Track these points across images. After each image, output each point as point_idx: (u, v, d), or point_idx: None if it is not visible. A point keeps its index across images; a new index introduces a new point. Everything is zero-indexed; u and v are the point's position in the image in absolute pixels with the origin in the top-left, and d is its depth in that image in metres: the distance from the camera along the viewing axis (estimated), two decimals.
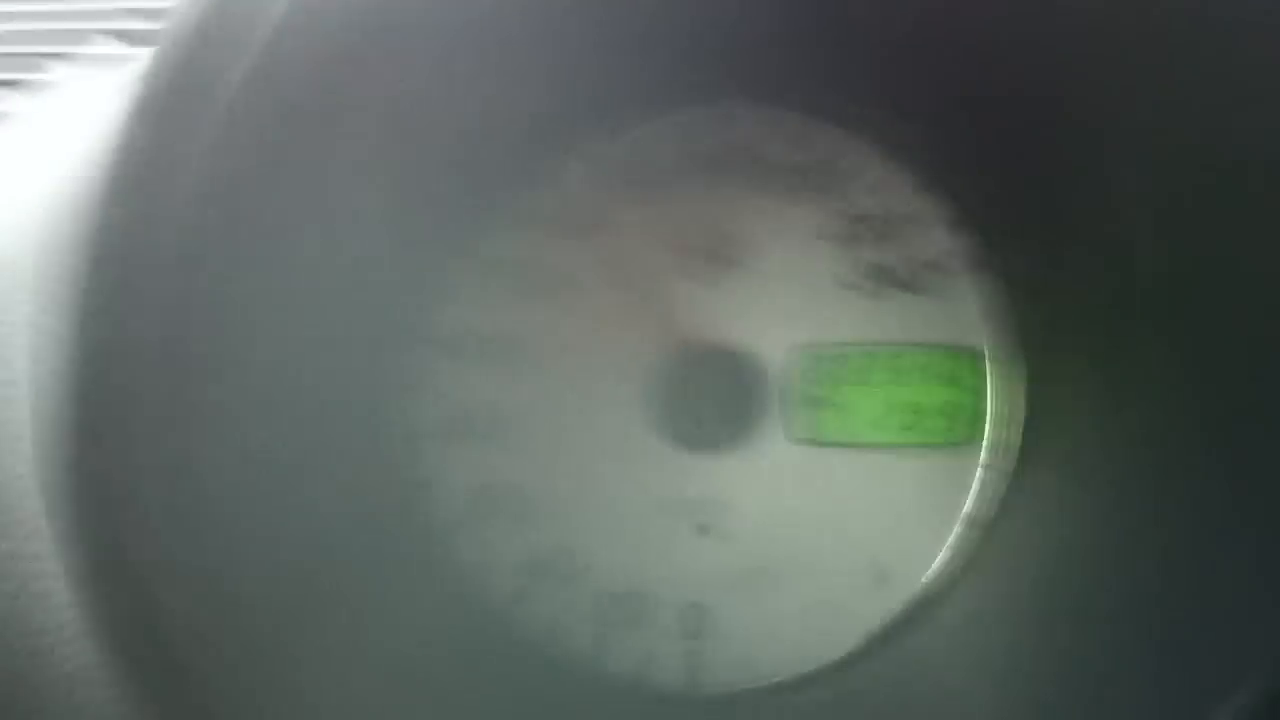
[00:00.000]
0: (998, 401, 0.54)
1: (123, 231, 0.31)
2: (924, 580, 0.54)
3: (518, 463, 0.54)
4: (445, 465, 0.54)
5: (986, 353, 0.53)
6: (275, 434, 0.40)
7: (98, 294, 0.31)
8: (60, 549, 0.33)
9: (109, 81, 0.52)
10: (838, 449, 0.54)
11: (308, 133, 0.35)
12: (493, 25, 0.41)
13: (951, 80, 0.47)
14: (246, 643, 0.35)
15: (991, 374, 0.54)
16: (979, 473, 0.54)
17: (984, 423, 0.54)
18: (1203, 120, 0.38)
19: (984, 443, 0.54)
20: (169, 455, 0.33)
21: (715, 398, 0.54)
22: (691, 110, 0.54)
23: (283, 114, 0.33)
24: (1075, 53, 0.41)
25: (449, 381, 0.54)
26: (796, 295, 0.54)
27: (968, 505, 0.54)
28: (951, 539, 0.53)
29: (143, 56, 0.32)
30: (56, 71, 0.58)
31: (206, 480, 0.34)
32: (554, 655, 0.54)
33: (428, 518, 0.54)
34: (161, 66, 0.32)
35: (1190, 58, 0.37)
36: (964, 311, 0.53)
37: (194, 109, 0.31)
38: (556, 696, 0.53)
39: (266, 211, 0.34)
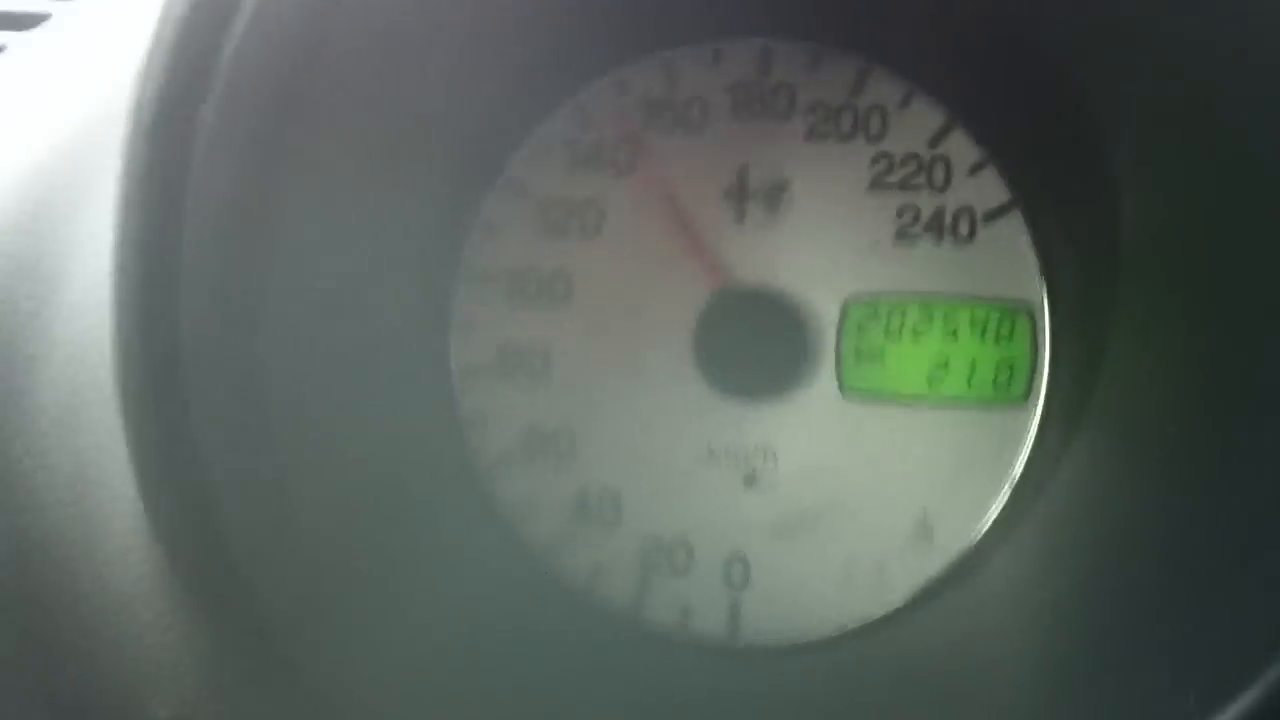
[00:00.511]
0: (1052, 361, 0.53)
1: (175, 112, 0.31)
2: (969, 538, 0.53)
3: (565, 403, 0.54)
4: (492, 403, 0.54)
5: (1041, 309, 0.53)
6: (326, 371, 0.40)
7: (147, 244, 0.32)
8: (134, 463, 0.33)
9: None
10: (888, 403, 0.53)
11: (322, 69, 0.34)
12: None
13: (974, 16, 0.46)
14: (299, 569, 0.35)
15: (1046, 333, 0.53)
16: (1031, 432, 0.53)
17: (1038, 381, 0.53)
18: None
19: (1037, 401, 0.53)
20: (231, 391, 0.33)
21: (765, 346, 0.53)
22: (726, 41, 0.53)
23: (289, 54, 0.33)
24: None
25: (496, 319, 0.54)
26: (849, 244, 0.53)
27: (1017, 464, 0.53)
28: (999, 498, 0.53)
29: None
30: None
31: (264, 414, 0.35)
32: (595, 599, 0.54)
33: (474, 455, 0.54)
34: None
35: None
36: (1018, 265, 0.52)
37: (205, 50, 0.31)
38: (595, 642, 0.53)
39: (289, 148, 0.34)
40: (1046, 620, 0.46)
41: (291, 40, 0.32)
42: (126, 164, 0.31)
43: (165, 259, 0.31)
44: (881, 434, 0.53)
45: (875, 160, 0.53)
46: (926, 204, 0.52)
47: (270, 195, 0.33)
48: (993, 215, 0.52)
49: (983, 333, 0.53)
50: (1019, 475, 0.53)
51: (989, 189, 0.52)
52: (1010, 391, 0.53)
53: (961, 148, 0.52)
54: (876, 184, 0.53)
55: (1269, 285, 0.40)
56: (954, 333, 0.53)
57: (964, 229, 0.52)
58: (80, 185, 0.42)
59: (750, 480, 0.54)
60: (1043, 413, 0.53)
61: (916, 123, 0.53)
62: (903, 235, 0.53)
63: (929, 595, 0.53)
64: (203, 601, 0.34)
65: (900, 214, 0.52)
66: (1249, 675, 0.35)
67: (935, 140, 0.52)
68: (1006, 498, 0.53)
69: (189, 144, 0.31)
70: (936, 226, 0.52)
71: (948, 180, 0.52)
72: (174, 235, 0.31)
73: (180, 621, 0.38)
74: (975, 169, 0.52)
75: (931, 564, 0.53)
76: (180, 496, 0.33)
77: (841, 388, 0.53)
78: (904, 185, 0.52)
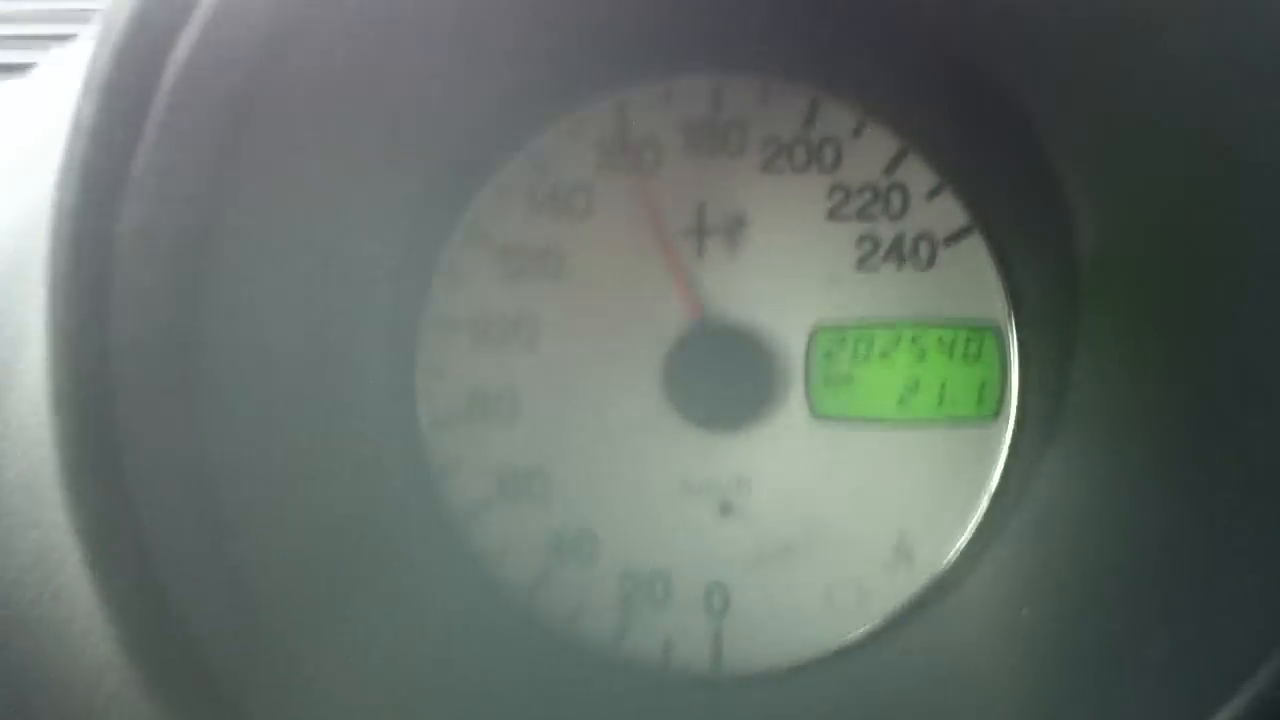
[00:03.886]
0: (1021, 377, 0.53)
1: (92, 221, 0.30)
2: (948, 557, 0.53)
3: (537, 445, 0.54)
4: (464, 450, 0.54)
5: (1007, 326, 0.53)
6: (289, 425, 0.40)
7: (79, 288, 0.31)
8: (80, 545, 0.33)
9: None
10: (860, 426, 0.53)
11: (262, 113, 0.33)
12: None
13: (922, 44, 0.46)
14: (265, 635, 0.34)
15: (1014, 349, 0.53)
16: (1004, 447, 0.53)
17: (1008, 398, 0.53)
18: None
19: (1009, 418, 0.53)
20: (179, 450, 0.32)
21: (734, 376, 0.53)
22: (677, 79, 0.53)
23: (230, 96, 0.32)
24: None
25: (466, 365, 0.54)
26: (811, 274, 0.53)
27: (993, 480, 0.53)
28: (976, 515, 0.53)
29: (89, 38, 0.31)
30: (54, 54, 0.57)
31: (219, 474, 0.34)
32: (577, 638, 0.54)
33: (448, 503, 0.54)
34: (104, 48, 0.31)
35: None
36: (981, 286, 0.53)
37: (140, 88, 0.31)
38: (579, 681, 0.53)
39: (236, 193, 0.33)
40: (1027, 636, 0.47)
41: (236, 95, 0.32)
42: (49, 267, 0.31)
43: (94, 358, 0.31)
44: (855, 457, 0.53)
45: (832, 191, 0.53)
46: (886, 231, 0.53)
47: (216, 258, 0.33)
48: (953, 238, 0.53)
49: (951, 353, 0.53)
50: (995, 491, 0.53)
51: (947, 213, 0.53)
52: (981, 409, 0.53)
53: (917, 174, 0.53)
54: (834, 214, 0.53)
55: (1227, 290, 0.40)
56: (922, 355, 0.53)
57: (924, 254, 0.53)
58: (26, 272, 0.42)
59: (726, 509, 0.54)
60: (1015, 428, 0.53)
61: (870, 151, 0.53)
62: (864, 263, 0.53)
63: (910, 615, 0.53)
64: (162, 683, 0.34)
65: (860, 242, 0.53)
66: (1231, 688, 0.35)
67: (890, 168, 0.53)
68: (983, 514, 0.53)
69: (109, 251, 0.30)
70: (897, 253, 0.53)
71: (905, 207, 0.53)
72: (100, 330, 0.31)
73: (145, 698, 0.38)
74: (932, 194, 0.53)
75: (911, 583, 0.53)
76: (128, 581, 0.32)
77: (813, 414, 0.53)
78: (862, 214, 0.53)
